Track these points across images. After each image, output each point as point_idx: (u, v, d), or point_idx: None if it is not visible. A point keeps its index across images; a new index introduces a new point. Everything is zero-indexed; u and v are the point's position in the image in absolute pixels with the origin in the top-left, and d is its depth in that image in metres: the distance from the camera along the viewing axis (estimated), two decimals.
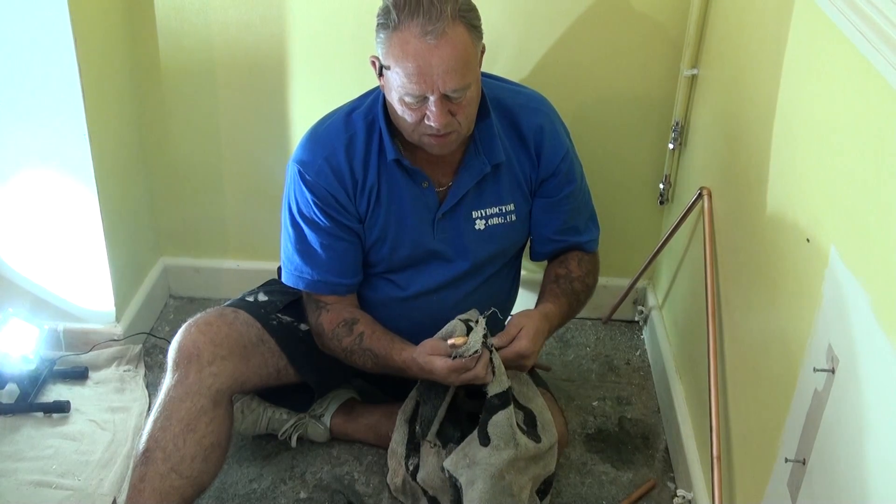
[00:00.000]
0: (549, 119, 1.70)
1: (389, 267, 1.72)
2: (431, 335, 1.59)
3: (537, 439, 1.63)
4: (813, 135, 1.26)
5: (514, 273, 1.85)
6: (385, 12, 1.46)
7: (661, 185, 2.13)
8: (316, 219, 1.64)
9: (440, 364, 1.54)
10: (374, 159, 1.63)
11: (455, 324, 1.58)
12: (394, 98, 1.51)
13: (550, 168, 1.69)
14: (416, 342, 1.62)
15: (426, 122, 1.50)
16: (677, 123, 2.03)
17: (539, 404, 1.69)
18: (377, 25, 1.49)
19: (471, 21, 1.48)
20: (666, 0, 1.94)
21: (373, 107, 1.64)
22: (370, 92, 1.67)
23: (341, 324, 1.68)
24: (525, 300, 2.26)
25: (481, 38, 1.52)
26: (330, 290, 1.69)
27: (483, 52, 1.55)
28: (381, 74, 1.54)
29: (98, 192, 1.98)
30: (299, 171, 1.63)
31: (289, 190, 1.67)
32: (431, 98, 1.47)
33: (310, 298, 1.73)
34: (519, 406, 1.67)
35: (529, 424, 1.65)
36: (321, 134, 1.65)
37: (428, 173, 1.64)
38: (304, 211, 1.65)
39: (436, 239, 1.68)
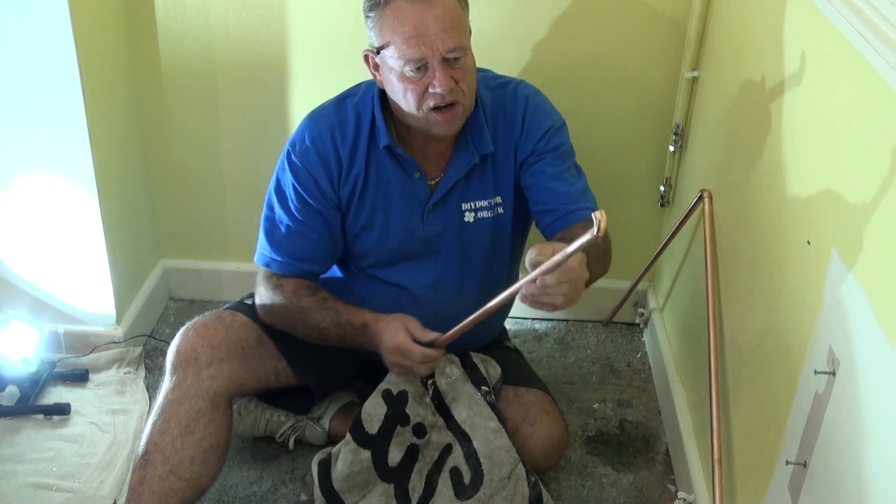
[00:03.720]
0: (533, 100, 1.68)
1: (379, 259, 1.71)
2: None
3: (475, 488, 1.61)
4: (813, 137, 1.26)
5: (512, 275, 1.84)
6: None
7: (662, 188, 2.13)
8: (290, 200, 1.65)
9: (401, 336, 1.56)
10: (363, 147, 1.63)
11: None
12: (393, 79, 1.52)
13: (534, 139, 1.65)
14: None
15: (431, 90, 1.50)
16: (678, 126, 2.03)
17: (489, 431, 1.66)
18: (366, 10, 1.51)
19: None
20: (667, 3, 1.94)
21: (366, 94, 1.65)
22: (366, 81, 1.68)
23: (305, 287, 1.67)
24: (521, 306, 2.26)
25: (468, 9, 1.54)
26: (281, 268, 1.68)
27: (470, 33, 1.56)
28: (376, 67, 1.55)
29: (98, 195, 1.98)
30: (288, 152, 1.65)
31: (277, 168, 1.68)
32: (432, 61, 1.48)
33: (267, 274, 1.71)
34: (466, 442, 1.66)
35: (474, 468, 1.63)
36: (314, 117, 1.67)
37: (420, 163, 1.65)
38: (284, 189, 1.66)
39: (425, 230, 1.68)
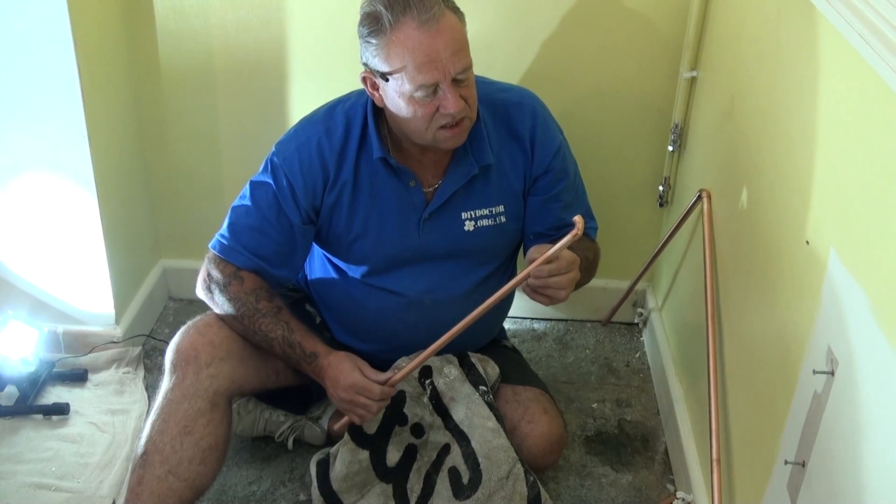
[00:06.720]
0: (541, 115, 1.69)
1: (375, 267, 1.71)
2: (428, 341, 1.59)
3: (473, 488, 1.61)
4: (812, 137, 1.26)
5: (509, 277, 1.84)
6: (372, 20, 1.47)
7: (661, 188, 2.13)
8: (263, 197, 1.64)
9: (357, 375, 1.56)
10: (352, 155, 1.62)
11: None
12: (401, 104, 1.50)
13: (544, 164, 1.69)
14: (413, 349, 1.64)
15: (441, 111, 1.50)
16: (677, 125, 2.03)
17: (487, 431, 1.66)
18: (366, 36, 1.48)
19: (452, 5, 1.50)
20: (665, 2, 1.94)
21: (357, 102, 1.64)
22: (359, 88, 1.67)
23: (264, 290, 1.65)
24: (520, 306, 2.26)
25: (465, 20, 1.53)
26: (240, 260, 1.66)
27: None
28: (375, 87, 1.54)
29: (97, 195, 1.98)
30: (273, 152, 1.65)
31: (261, 165, 1.68)
32: (443, 85, 1.47)
33: (220, 261, 1.69)
34: (464, 442, 1.66)
35: (472, 468, 1.64)
36: (304, 123, 1.67)
37: (416, 172, 1.65)
38: (260, 185, 1.65)
39: (421, 238, 1.68)
